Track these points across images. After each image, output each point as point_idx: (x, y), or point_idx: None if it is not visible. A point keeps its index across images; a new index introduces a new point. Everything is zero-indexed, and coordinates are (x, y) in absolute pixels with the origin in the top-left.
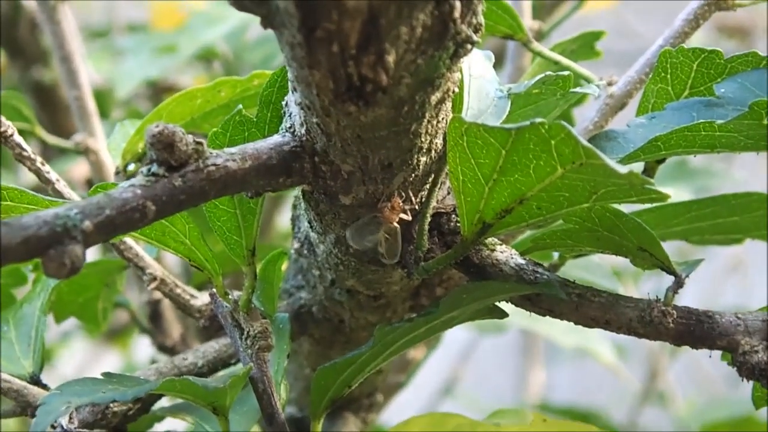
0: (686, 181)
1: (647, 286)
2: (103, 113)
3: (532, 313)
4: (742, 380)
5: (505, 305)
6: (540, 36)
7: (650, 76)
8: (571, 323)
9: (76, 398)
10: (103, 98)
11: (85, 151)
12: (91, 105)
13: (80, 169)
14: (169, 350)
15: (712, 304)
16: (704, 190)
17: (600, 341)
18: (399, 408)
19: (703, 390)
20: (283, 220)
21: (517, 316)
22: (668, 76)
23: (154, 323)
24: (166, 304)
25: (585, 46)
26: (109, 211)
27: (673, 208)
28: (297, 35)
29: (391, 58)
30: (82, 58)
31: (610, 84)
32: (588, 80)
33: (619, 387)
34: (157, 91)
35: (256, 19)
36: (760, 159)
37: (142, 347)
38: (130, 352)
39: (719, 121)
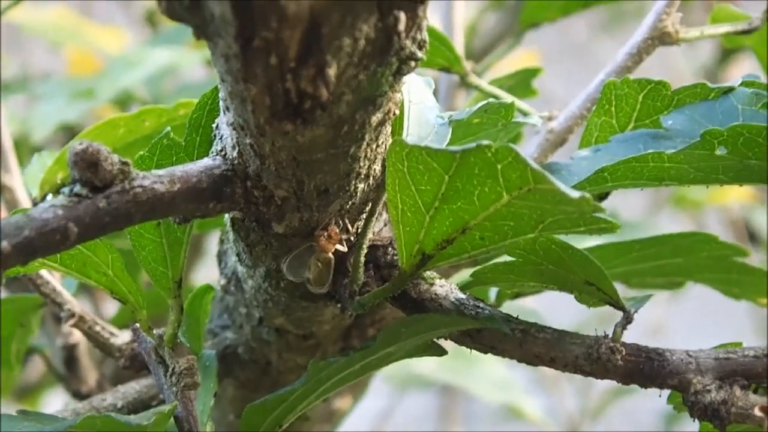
0: None
1: None
2: (18, 161)
3: (458, 368)
4: (693, 420)
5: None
6: None
7: (593, 109)
8: (497, 380)
9: None
10: (16, 146)
11: None
12: (7, 141)
13: None
14: (85, 397)
15: None
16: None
17: (527, 398)
18: None
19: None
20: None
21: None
22: (612, 108)
23: (69, 368)
24: (83, 350)
25: (522, 83)
26: (28, 231)
27: (615, 247)
28: (233, 45)
29: (332, 72)
30: None
31: (550, 119)
32: (526, 114)
33: None
34: (75, 136)
35: (176, 64)
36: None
37: (54, 406)
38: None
39: (669, 151)
